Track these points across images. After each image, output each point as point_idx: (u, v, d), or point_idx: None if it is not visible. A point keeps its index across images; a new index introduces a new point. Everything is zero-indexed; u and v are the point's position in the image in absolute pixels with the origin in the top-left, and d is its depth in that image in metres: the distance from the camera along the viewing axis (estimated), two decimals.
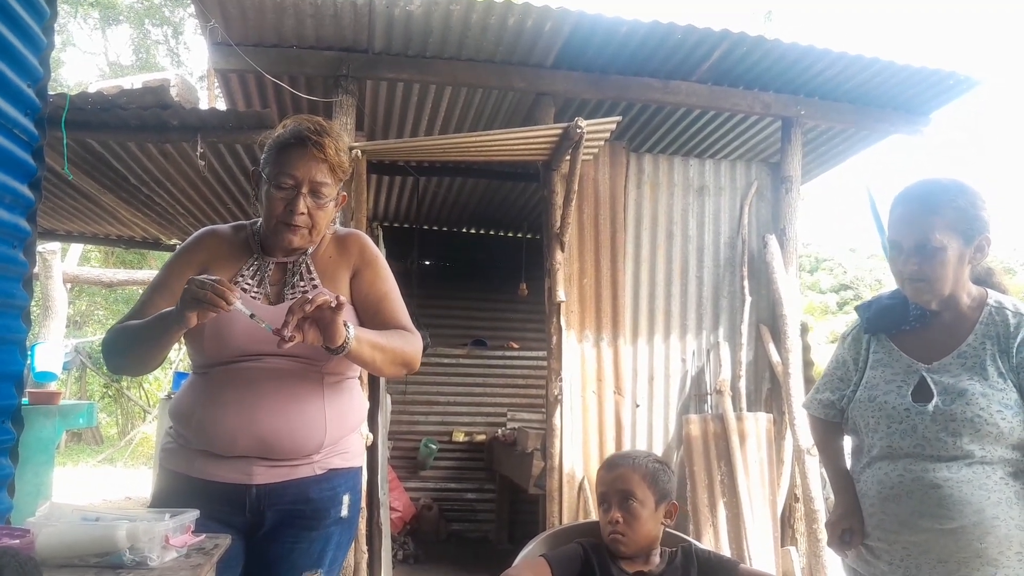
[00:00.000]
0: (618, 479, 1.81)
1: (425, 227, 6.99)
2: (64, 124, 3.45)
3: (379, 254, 1.82)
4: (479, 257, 7.04)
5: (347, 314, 1.64)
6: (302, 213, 1.66)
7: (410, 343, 1.70)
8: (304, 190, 1.65)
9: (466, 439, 6.50)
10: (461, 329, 6.85)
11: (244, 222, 1.85)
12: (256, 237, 1.78)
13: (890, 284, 1.91)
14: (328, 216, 1.72)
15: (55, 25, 2.37)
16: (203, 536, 1.42)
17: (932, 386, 1.68)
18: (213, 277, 1.47)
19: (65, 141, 3.64)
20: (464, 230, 7.26)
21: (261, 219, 1.75)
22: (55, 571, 1.21)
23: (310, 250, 1.76)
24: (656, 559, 1.81)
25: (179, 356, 11.17)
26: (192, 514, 1.40)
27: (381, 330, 1.68)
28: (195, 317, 1.48)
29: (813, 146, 4.92)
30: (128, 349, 1.66)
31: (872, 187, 4.91)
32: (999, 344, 1.68)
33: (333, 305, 1.45)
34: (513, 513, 6.13)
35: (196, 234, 1.82)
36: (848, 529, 1.78)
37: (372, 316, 1.72)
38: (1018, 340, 1.65)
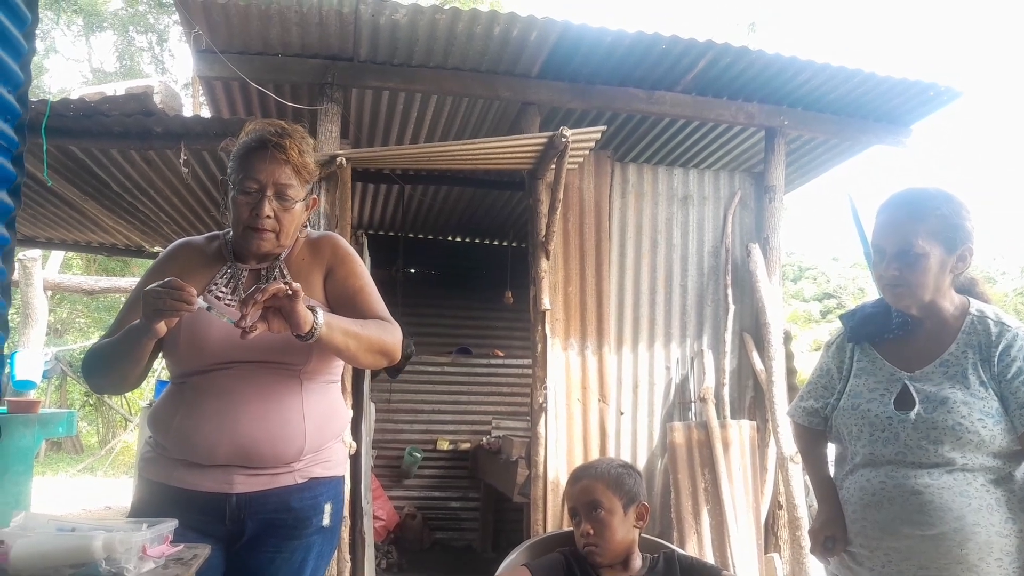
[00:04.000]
0: (583, 491, 1.82)
1: (410, 235, 6.97)
2: (44, 130, 3.42)
3: (352, 251, 1.81)
4: (464, 265, 7.03)
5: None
6: (268, 216, 1.64)
7: (388, 331, 1.68)
8: (269, 193, 1.64)
9: (451, 447, 6.48)
10: (446, 337, 6.83)
11: (218, 232, 1.84)
12: (228, 245, 1.77)
13: (872, 293, 1.94)
14: (296, 219, 1.71)
15: (36, 31, 2.35)
16: (182, 546, 1.40)
17: (914, 394, 1.69)
18: (166, 280, 1.45)
19: (45, 147, 3.62)
20: (449, 238, 7.25)
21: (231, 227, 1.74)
22: None
23: (283, 255, 1.75)
24: (637, 564, 1.81)
25: (161, 364, 11.07)
26: (170, 524, 1.38)
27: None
28: (163, 325, 1.47)
29: (796, 156, 4.96)
30: (105, 368, 1.64)
31: (854, 196, 4.95)
32: (980, 353, 1.69)
33: (290, 293, 1.43)
34: (497, 521, 6.10)
35: (170, 247, 1.82)
36: (831, 536, 1.78)
37: (349, 311, 1.69)
38: (999, 349, 1.67)
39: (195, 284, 1.51)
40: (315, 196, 1.79)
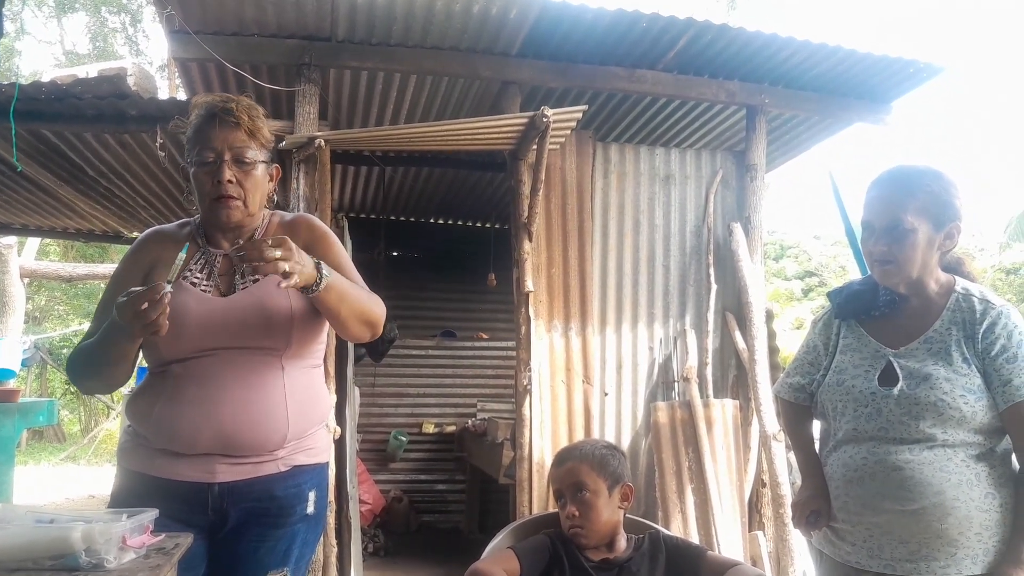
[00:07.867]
0: (568, 473, 1.83)
1: (392, 218, 6.92)
2: (13, 114, 3.35)
3: (328, 230, 1.79)
4: (447, 248, 7.00)
5: (299, 300, 1.62)
6: (230, 181, 1.62)
7: (375, 301, 1.70)
8: (226, 158, 1.62)
9: (436, 430, 6.49)
10: (430, 320, 6.82)
11: (188, 218, 1.81)
12: (200, 230, 1.74)
13: (854, 271, 1.94)
14: (259, 184, 1.68)
15: (5, 11, 2.30)
16: (163, 536, 1.39)
17: (898, 370, 1.71)
18: (133, 291, 1.44)
19: (14, 131, 3.54)
20: (431, 220, 7.21)
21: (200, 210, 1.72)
22: (8, 575, 1.17)
23: (256, 236, 1.72)
24: (622, 544, 1.82)
25: None
26: (151, 514, 1.36)
27: None
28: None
29: (777, 134, 4.96)
30: (93, 370, 1.63)
31: (835, 174, 4.97)
32: (965, 330, 1.70)
33: (284, 267, 1.44)
34: (484, 503, 6.13)
35: (140, 237, 1.79)
36: (815, 511, 1.80)
37: None
38: (984, 327, 1.68)
39: (169, 272, 1.49)
40: (277, 165, 1.77)
